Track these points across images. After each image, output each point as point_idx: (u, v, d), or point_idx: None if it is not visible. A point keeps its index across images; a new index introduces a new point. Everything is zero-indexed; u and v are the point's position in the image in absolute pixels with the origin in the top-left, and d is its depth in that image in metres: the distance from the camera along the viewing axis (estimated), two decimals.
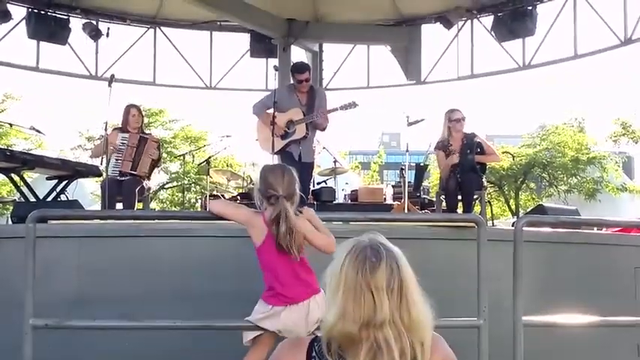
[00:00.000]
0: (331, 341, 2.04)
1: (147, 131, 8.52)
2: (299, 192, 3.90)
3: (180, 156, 20.03)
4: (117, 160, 7.74)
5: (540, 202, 20.92)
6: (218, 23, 13.75)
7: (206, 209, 9.77)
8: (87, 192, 19.22)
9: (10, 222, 6.86)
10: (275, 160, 7.69)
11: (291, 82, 8.05)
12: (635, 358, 5.77)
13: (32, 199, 7.68)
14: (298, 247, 3.75)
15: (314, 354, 2.10)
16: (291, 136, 7.68)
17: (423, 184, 10.54)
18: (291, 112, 7.68)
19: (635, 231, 6.81)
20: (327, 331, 2.04)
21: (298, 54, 13.90)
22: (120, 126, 8.16)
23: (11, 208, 7.62)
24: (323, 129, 7.94)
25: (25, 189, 7.84)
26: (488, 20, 12.76)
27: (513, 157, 21.29)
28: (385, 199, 10.63)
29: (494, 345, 4.01)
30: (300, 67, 7.94)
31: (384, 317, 1.97)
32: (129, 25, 13.54)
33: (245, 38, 13.80)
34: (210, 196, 10.35)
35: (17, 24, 12.15)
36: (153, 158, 7.96)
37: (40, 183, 8.61)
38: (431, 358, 2.06)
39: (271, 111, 7.73)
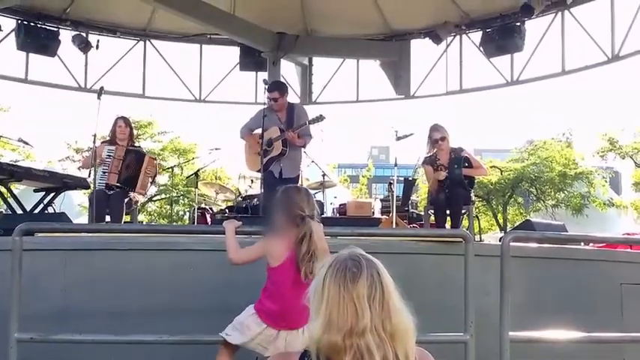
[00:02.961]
0: (319, 354, 2.04)
1: (137, 144, 8.47)
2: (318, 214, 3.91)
3: (168, 168, 20.02)
4: (103, 172, 7.69)
5: (528, 218, 20.99)
6: (208, 36, 13.77)
7: (194, 223, 9.78)
8: (74, 204, 19.10)
9: None
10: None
11: None
12: None
13: (19, 211, 7.65)
14: (311, 270, 3.64)
15: None
16: (270, 154, 7.78)
17: (411, 198, 10.56)
18: (271, 130, 7.80)
19: (622, 247, 6.84)
20: (315, 343, 2.04)
21: (288, 68, 13.96)
22: (108, 138, 8.14)
23: None
24: (302, 145, 8.00)
25: (12, 201, 7.81)
26: (476, 36, 12.83)
27: (501, 171, 21.41)
28: (373, 212, 10.65)
29: None
30: (269, 86, 8.03)
31: (365, 325, 1.98)
32: (119, 37, 13.52)
33: (235, 51, 13.82)
34: (198, 209, 10.33)
35: (6, 35, 12.12)
36: (151, 176, 7.96)
37: (27, 195, 8.58)
38: None
39: (258, 131, 7.94)
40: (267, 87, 7.99)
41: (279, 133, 7.75)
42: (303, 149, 8.23)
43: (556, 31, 12.41)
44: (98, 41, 12.53)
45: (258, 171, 8.09)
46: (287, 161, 7.86)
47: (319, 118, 7.80)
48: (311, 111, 8.33)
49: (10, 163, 7.73)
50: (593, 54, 12.23)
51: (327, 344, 2.01)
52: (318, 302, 2.05)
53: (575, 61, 12.67)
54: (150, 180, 7.94)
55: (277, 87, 8.03)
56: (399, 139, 8.48)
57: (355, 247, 2.17)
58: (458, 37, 13.33)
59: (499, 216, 24.79)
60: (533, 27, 12.36)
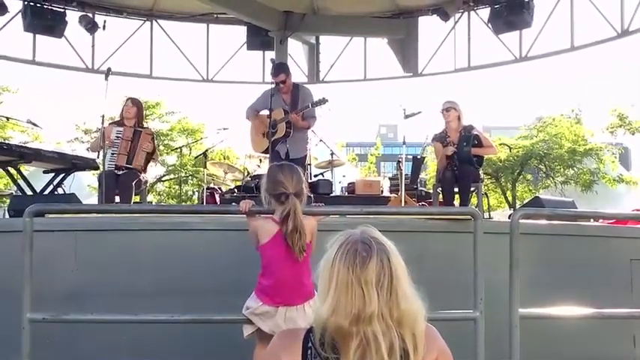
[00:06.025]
0: (324, 335, 2.05)
1: (145, 125, 8.47)
2: (306, 191, 3.93)
3: (177, 148, 20.01)
4: (112, 154, 7.70)
5: (537, 194, 20.93)
6: (214, 16, 13.72)
7: (203, 203, 9.79)
8: (83, 184, 19.16)
9: (7, 215, 6.87)
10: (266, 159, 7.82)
11: None
12: (631, 348, 5.80)
13: (29, 192, 7.68)
14: (303, 246, 3.74)
15: (310, 344, 2.11)
16: (275, 136, 7.79)
17: (420, 176, 10.54)
18: (275, 112, 7.80)
19: (631, 223, 6.82)
20: (321, 324, 2.05)
21: (295, 47, 13.91)
22: (117, 120, 8.16)
23: (8, 201, 7.63)
24: (306, 127, 7.98)
25: (22, 182, 7.84)
26: (485, 12, 12.74)
27: (510, 148, 21.30)
28: (382, 191, 10.63)
29: (490, 337, 4.03)
30: (274, 69, 7.96)
31: (372, 312, 1.99)
32: (125, 17, 13.50)
33: (242, 31, 13.78)
34: (207, 189, 10.34)
35: (13, 17, 12.11)
36: (147, 152, 7.93)
37: (37, 176, 8.61)
38: (425, 351, 2.08)
39: (263, 112, 7.93)
40: (272, 72, 7.95)
41: (283, 115, 7.75)
42: (309, 129, 8.24)
43: (565, 6, 12.33)
44: (105, 22, 12.51)
45: (264, 152, 8.10)
46: (293, 142, 7.86)
47: (322, 101, 7.77)
48: (319, 90, 8.32)
49: (20, 144, 7.73)
50: (603, 29, 12.16)
51: (334, 327, 2.02)
52: (327, 282, 2.06)
53: (585, 36, 12.61)
54: (144, 155, 7.87)
55: (282, 69, 7.98)
56: (407, 117, 8.44)
57: (369, 226, 2.17)
58: (466, 13, 13.26)
59: (508, 193, 24.68)
60: (541, 2, 12.29)
